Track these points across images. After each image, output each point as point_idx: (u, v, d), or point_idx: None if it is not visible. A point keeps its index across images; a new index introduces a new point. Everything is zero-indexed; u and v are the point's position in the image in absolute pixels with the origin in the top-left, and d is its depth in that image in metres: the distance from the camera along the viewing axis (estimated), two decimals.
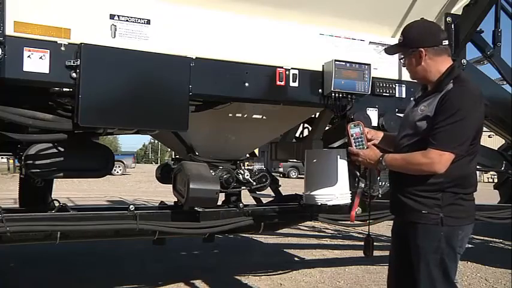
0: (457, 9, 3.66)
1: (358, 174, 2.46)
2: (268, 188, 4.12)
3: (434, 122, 2.32)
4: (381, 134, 2.77)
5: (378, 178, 3.63)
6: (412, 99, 2.64)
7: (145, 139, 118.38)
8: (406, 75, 3.61)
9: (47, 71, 2.60)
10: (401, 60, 2.59)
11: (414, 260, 2.43)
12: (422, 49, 2.44)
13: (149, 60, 2.85)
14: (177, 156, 4.28)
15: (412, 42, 2.48)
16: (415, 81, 2.69)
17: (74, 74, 2.65)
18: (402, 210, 2.52)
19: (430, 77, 2.47)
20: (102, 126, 2.95)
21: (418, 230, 2.41)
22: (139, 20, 2.83)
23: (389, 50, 2.74)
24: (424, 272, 2.40)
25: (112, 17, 2.76)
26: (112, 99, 2.77)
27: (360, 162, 2.61)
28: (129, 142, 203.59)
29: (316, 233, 8.05)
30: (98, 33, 2.72)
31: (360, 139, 2.59)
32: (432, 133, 2.32)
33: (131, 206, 3.29)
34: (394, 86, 3.60)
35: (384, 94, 3.56)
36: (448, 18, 3.58)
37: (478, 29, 4.05)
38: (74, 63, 2.63)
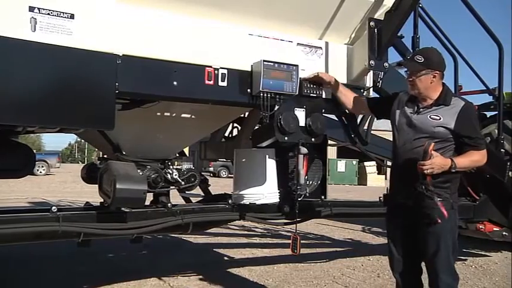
0: (380, 14, 3.82)
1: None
2: (198, 187, 4.10)
3: (464, 131, 2.97)
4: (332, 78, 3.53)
5: (306, 177, 3.72)
6: (402, 108, 3.17)
7: (71, 138, 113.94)
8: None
9: None
10: (419, 76, 3.02)
11: (434, 240, 2.98)
12: (438, 72, 3.04)
13: (72, 56, 2.74)
14: (104, 156, 4.15)
15: (434, 64, 3.04)
16: None
17: None
18: (420, 200, 2.97)
19: (431, 94, 3.05)
20: (20, 124, 2.81)
21: (436, 215, 2.93)
22: (62, 14, 2.71)
23: (411, 65, 3.12)
24: (444, 248, 2.97)
25: (32, 9, 2.62)
26: (31, 96, 2.64)
27: (432, 170, 2.88)
28: (54, 141, 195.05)
29: (246, 232, 8.11)
30: (15, 26, 2.57)
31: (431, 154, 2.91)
32: (472, 139, 2.98)
33: (53, 208, 3.14)
34: (321, 87, 3.69)
35: (311, 95, 3.64)
36: (372, 23, 3.72)
37: (399, 34, 4.24)
38: None
